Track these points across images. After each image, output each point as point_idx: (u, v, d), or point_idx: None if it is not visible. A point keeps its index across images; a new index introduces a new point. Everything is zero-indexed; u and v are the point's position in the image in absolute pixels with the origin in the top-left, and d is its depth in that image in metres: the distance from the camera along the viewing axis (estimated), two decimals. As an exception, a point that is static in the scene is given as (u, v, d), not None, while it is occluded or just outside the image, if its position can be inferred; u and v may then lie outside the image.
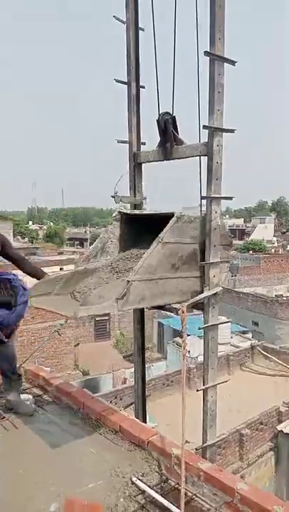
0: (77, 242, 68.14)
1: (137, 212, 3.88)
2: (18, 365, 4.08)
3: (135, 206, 4.08)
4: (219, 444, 10.03)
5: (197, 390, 3.70)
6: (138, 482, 2.68)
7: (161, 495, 2.58)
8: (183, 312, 2.48)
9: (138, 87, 3.95)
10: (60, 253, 43.93)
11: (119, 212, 3.76)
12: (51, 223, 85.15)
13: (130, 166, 4.05)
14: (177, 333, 19.95)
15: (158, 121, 3.60)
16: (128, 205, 4.06)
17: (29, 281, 3.52)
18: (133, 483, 2.68)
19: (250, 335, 21.42)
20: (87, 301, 2.77)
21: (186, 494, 2.53)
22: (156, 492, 2.60)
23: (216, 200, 3.35)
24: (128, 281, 2.91)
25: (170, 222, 3.12)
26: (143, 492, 2.62)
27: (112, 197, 3.84)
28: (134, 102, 3.94)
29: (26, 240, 55.68)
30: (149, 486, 2.64)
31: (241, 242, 54.45)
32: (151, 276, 3.09)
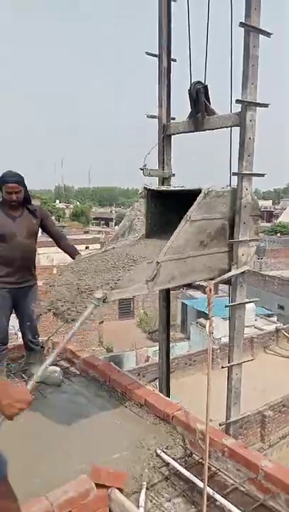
0: (103, 222, 68.50)
1: (163, 188, 3.83)
2: (46, 339, 4.19)
3: (163, 180, 4.03)
4: (241, 425, 10.09)
5: (222, 367, 3.71)
6: (162, 454, 2.73)
7: (185, 468, 2.62)
8: (210, 291, 2.47)
9: (169, 60, 3.86)
10: (86, 232, 44.34)
11: (145, 188, 3.71)
12: (78, 202, 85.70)
13: (159, 138, 3.97)
14: (201, 314, 19.97)
15: (189, 90, 3.50)
16: (156, 179, 4.01)
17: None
18: (157, 455, 2.73)
19: (275, 318, 21.24)
20: (118, 284, 2.80)
21: (209, 468, 2.57)
22: (180, 465, 2.65)
23: (247, 176, 3.27)
24: (157, 263, 2.92)
25: (197, 198, 3.07)
26: (167, 464, 2.68)
27: (141, 169, 3.79)
28: (165, 75, 3.85)
29: (53, 218, 56.21)
30: (173, 459, 2.69)
31: (269, 225, 53.55)
32: (180, 256, 3.08)
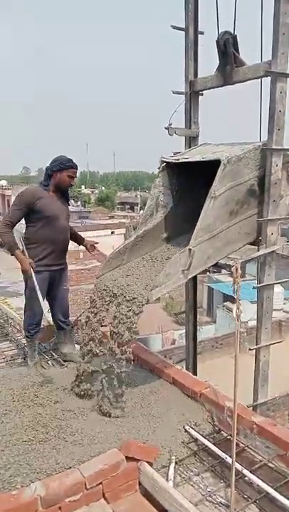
0: (128, 207, 68.42)
1: (181, 160, 3.69)
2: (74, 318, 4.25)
3: (190, 139, 3.94)
4: (268, 407, 10.07)
5: (249, 349, 3.67)
6: (191, 430, 2.74)
7: (214, 444, 2.63)
8: (236, 270, 2.43)
9: (196, 33, 3.75)
10: (112, 217, 44.46)
11: (163, 161, 3.58)
12: (103, 187, 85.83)
13: (186, 95, 3.85)
14: (227, 298, 19.84)
15: (217, 41, 3.33)
16: (183, 139, 3.91)
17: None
18: (186, 431, 2.75)
19: (304, 302, 20.83)
20: (158, 282, 2.82)
21: (238, 445, 2.57)
22: (209, 441, 2.66)
23: (276, 152, 3.17)
24: (190, 250, 2.89)
25: (218, 172, 2.96)
26: (196, 440, 2.69)
27: (166, 129, 3.69)
28: (192, 48, 3.75)
29: (79, 203, 56.71)
30: (201, 435, 2.70)
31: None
32: (212, 234, 3.04)
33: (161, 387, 3.23)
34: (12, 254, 3.44)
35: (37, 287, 3.36)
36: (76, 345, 3.90)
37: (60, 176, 3.48)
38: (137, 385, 3.27)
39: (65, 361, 3.82)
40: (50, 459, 2.38)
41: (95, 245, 4.00)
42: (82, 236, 4.03)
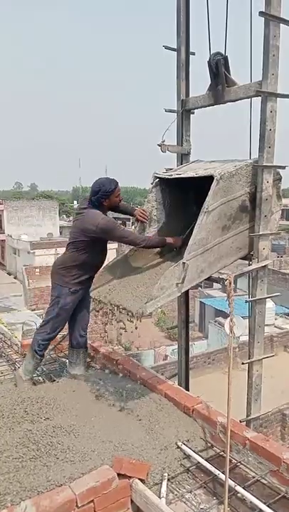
0: (120, 222, 68.41)
1: (174, 175, 3.67)
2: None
3: (182, 156, 3.99)
4: (261, 423, 10.02)
5: (242, 363, 3.67)
6: (183, 447, 2.73)
7: (206, 460, 2.61)
8: (230, 284, 2.45)
9: (188, 53, 3.83)
10: (104, 232, 44.36)
11: (156, 176, 3.62)
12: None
13: (178, 113, 3.91)
14: (219, 313, 19.83)
15: (209, 62, 3.39)
16: (174, 156, 3.96)
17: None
18: (178, 447, 2.73)
19: (295, 317, 20.91)
20: (152, 295, 2.83)
21: (230, 461, 2.56)
22: (202, 457, 2.64)
23: (267, 168, 3.23)
24: (184, 263, 2.92)
25: (211, 187, 3.01)
26: (188, 456, 2.67)
27: (159, 145, 3.72)
28: (183, 69, 3.83)
29: (71, 218, 56.69)
30: (194, 451, 2.68)
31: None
32: (205, 248, 3.07)
33: (153, 403, 3.21)
34: (163, 245, 3.44)
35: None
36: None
37: (110, 201, 3.40)
38: (129, 400, 3.25)
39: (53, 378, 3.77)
40: (40, 476, 2.34)
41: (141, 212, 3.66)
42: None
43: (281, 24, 3.10)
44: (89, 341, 4.13)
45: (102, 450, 2.61)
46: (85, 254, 3.40)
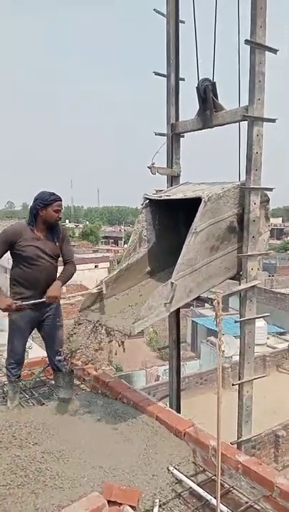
0: (112, 241, 68.72)
1: (163, 197, 3.71)
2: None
3: (172, 178, 4.05)
4: (254, 445, 9.88)
5: (233, 385, 3.66)
6: (175, 471, 2.68)
7: (198, 485, 2.57)
8: (218, 303, 2.46)
9: (177, 79, 3.94)
10: (95, 251, 44.49)
11: (146, 198, 3.66)
12: (87, 222, 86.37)
13: (168, 137, 4.00)
14: (211, 332, 19.76)
15: (197, 88, 3.50)
16: (165, 178, 4.04)
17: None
18: (170, 471, 2.68)
19: (287, 336, 20.89)
20: (140, 315, 2.83)
21: (223, 486, 2.52)
22: (193, 482, 2.60)
23: (255, 190, 3.28)
24: (172, 283, 2.93)
25: (199, 209, 3.06)
26: (180, 481, 2.62)
27: (149, 168, 3.79)
28: (173, 94, 3.93)
29: (63, 237, 56.56)
30: (186, 476, 2.64)
31: (279, 242, 53.36)
32: (193, 268, 3.09)
33: (145, 426, 3.17)
34: None
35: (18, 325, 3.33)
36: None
37: (46, 212, 3.38)
38: (120, 424, 3.20)
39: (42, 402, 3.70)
40: (28, 504, 2.28)
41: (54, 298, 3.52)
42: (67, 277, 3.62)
43: (266, 51, 3.21)
44: (78, 363, 4.09)
45: (92, 476, 2.56)
46: (14, 267, 3.46)
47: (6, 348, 3.60)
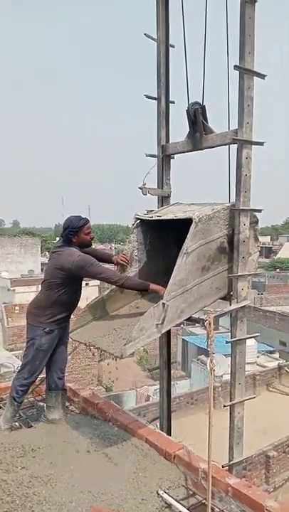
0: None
1: (154, 217, 3.75)
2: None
3: (162, 199, 4.09)
4: (244, 466, 9.76)
5: (224, 406, 3.63)
6: (164, 495, 2.63)
7: (188, 509, 2.52)
8: (210, 324, 2.47)
9: (168, 102, 4.02)
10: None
11: (137, 218, 3.70)
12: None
13: (158, 158, 4.06)
14: (202, 351, 19.67)
15: (187, 111, 3.57)
16: (156, 199, 4.08)
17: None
18: (159, 495, 2.64)
19: (277, 355, 20.90)
20: (131, 337, 2.82)
21: (213, 510, 2.48)
22: (183, 506, 2.55)
23: (244, 212, 3.33)
24: (164, 304, 2.94)
25: (190, 229, 3.09)
26: (169, 506, 2.58)
27: (140, 188, 3.83)
28: (164, 117, 4.00)
29: (53, 255, 56.35)
30: (175, 500, 2.59)
31: (268, 260, 53.75)
32: (185, 288, 3.10)
33: (134, 449, 3.12)
34: (145, 290, 3.37)
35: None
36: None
37: (78, 238, 3.37)
38: (110, 446, 3.15)
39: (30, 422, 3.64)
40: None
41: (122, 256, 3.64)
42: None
43: (254, 77, 3.31)
44: (68, 383, 4.03)
45: (80, 501, 2.51)
46: (60, 292, 3.35)
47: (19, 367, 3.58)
